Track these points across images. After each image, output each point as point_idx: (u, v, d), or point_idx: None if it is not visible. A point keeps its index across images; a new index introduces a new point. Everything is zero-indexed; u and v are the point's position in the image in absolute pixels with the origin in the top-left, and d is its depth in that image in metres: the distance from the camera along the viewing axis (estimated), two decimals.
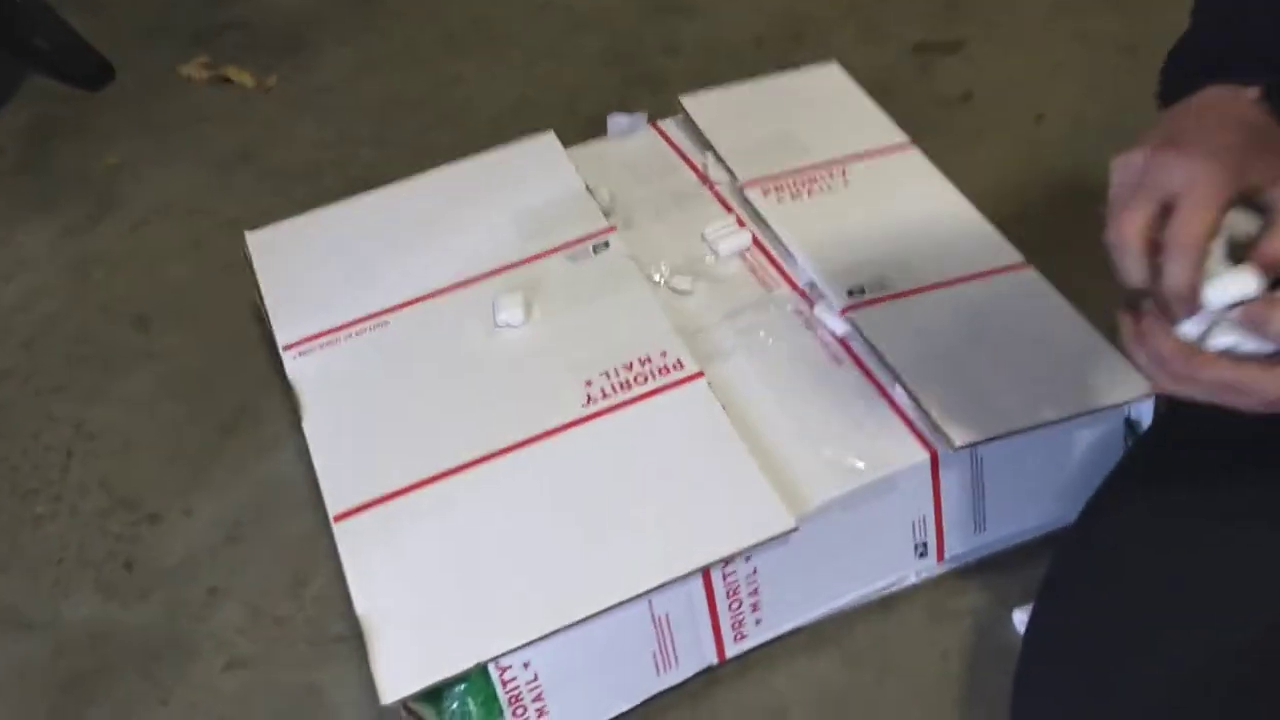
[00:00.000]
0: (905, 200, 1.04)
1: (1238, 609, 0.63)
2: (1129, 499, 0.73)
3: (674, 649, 0.84)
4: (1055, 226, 1.05)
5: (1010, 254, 0.98)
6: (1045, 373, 0.88)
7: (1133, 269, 0.57)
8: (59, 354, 1.20)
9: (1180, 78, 0.64)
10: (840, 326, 0.94)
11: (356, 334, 0.98)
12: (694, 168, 1.12)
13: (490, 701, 0.79)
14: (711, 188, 1.10)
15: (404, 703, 0.77)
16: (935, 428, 0.85)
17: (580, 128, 1.19)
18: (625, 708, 0.85)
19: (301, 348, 0.98)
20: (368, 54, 1.56)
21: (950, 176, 1.06)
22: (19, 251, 1.32)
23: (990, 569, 0.92)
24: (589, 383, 0.91)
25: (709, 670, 0.87)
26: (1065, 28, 1.44)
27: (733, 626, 0.85)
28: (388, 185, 1.12)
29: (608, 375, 0.91)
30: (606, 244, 1.02)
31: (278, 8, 1.64)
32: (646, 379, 0.90)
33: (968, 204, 1.03)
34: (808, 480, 0.84)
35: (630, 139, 1.17)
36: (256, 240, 1.09)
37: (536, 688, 0.80)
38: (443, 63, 1.53)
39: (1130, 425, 0.89)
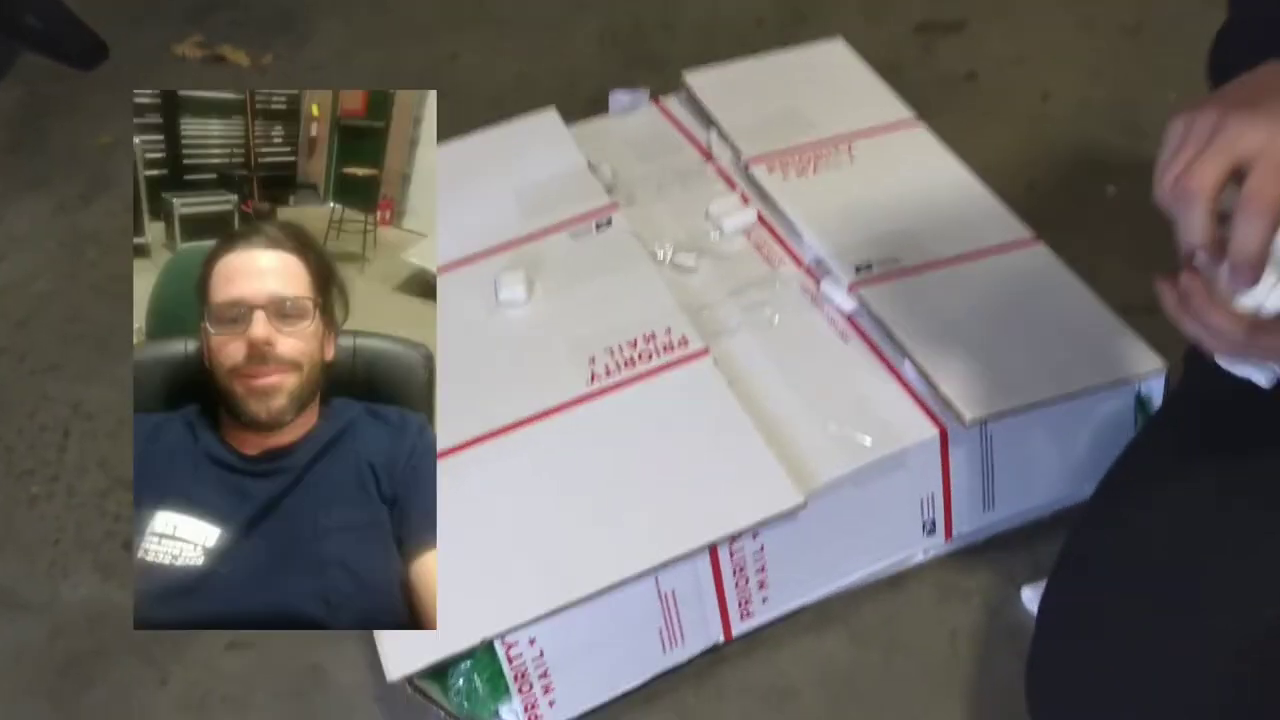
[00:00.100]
0: (912, 176, 1.03)
1: (1265, 589, 0.63)
2: (1151, 477, 0.72)
3: (680, 626, 0.83)
4: (1064, 204, 1.04)
5: (1019, 230, 0.97)
6: (1056, 349, 0.87)
7: (1197, 224, 0.54)
8: (54, 333, 1.19)
9: (1232, 58, 0.62)
10: (847, 303, 0.93)
11: None
12: (697, 144, 1.11)
13: (496, 678, 0.78)
14: (715, 164, 1.09)
15: (410, 680, 0.76)
16: (946, 403, 0.84)
17: (580, 106, 1.18)
18: (631, 685, 0.84)
19: None
20: (363, 30, 1.54)
21: (957, 154, 1.05)
22: (11, 230, 1.31)
23: (998, 546, 0.91)
24: (593, 360, 0.90)
25: (715, 649, 0.86)
26: (1067, 8, 1.43)
27: (740, 604, 0.85)
28: None
29: (612, 353, 0.90)
30: (609, 221, 1.01)
31: None
32: (651, 356, 0.89)
33: (975, 180, 1.02)
34: (815, 457, 0.83)
35: (632, 116, 1.16)
36: None
37: (542, 664, 0.79)
38: (439, 39, 1.51)
39: (1141, 402, 0.88)
